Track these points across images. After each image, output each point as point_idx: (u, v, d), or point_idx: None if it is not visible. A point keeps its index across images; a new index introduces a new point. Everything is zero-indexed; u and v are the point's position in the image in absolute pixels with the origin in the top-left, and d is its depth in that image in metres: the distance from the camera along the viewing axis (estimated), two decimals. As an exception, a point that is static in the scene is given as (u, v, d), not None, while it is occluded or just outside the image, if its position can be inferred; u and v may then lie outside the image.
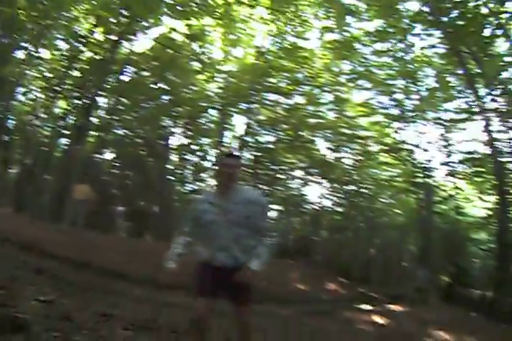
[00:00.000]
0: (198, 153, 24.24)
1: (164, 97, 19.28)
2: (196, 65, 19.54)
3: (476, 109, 18.78)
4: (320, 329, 7.10)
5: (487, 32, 14.46)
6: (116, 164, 21.59)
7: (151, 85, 18.52)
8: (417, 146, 21.04)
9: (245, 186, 3.58)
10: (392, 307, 13.32)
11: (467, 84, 15.45)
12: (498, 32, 14.01)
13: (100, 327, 4.20)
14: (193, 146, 23.66)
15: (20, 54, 16.99)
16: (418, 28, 16.36)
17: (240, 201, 3.30)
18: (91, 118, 17.84)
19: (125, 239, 17.28)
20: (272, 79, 20.18)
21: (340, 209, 26.95)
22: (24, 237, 9.02)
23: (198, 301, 3.28)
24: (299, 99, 22.47)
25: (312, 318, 8.22)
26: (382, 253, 28.76)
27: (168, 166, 21.14)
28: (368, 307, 12.46)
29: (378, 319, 9.56)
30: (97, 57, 16.72)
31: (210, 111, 21.84)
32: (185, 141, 22.95)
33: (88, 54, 17.12)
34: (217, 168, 3.96)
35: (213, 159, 23.94)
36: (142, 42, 18.26)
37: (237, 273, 3.17)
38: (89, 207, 13.89)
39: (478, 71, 15.17)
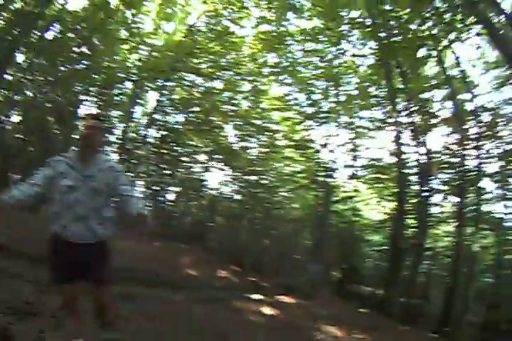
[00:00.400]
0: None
1: (84, 62, 17.72)
2: (124, 33, 18.26)
3: (390, 121, 20.17)
4: (210, 317, 7.11)
5: (421, 52, 15.41)
6: (21, 127, 19.52)
7: (74, 47, 16.84)
8: (324, 146, 21.66)
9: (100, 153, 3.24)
10: (283, 298, 13.46)
11: (388, 96, 16.11)
12: (431, 54, 14.77)
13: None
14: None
15: None
16: (354, 36, 16.63)
17: (101, 168, 3.14)
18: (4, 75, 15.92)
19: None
20: (195, 60, 19.50)
21: (239, 198, 27.13)
22: None
23: (58, 287, 3.09)
24: (217, 84, 22.16)
25: (203, 305, 8.16)
26: (276, 244, 29.66)
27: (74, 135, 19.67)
28: (259, 297, 12.45)
29: (269, 310, 9.64)
30: (26, 8, 14.70)
31: (126, 83, 20.66)
32: (95, 111, 21.57)
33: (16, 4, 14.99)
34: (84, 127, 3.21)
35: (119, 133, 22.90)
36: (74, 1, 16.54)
37: (94, 248, 3.02)
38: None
39: (402, 86, 15.95)
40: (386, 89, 17.34)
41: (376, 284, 22.53)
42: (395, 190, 20.45)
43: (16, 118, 18.53)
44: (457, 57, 14.55)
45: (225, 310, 8.28)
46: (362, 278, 25.18)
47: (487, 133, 14.36)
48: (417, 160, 17.43)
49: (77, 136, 3.24)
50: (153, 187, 23.45)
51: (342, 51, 18.17)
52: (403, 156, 19.63)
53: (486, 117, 14.97)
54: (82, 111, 19.03)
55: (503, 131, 15.22)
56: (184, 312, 6.69)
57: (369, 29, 16.10)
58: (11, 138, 17.69)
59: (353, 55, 18.21)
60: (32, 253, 7.45)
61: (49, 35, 16.31)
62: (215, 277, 15.21)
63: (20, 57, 16.31)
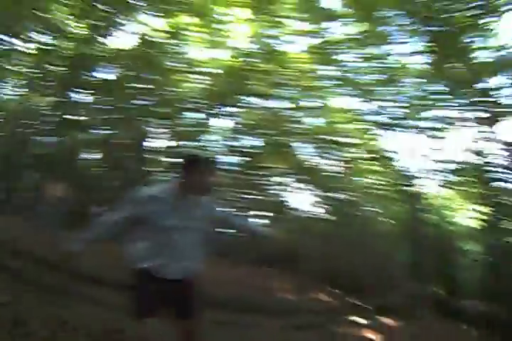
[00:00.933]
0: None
1: (143, 97, 19.28)
2: (175, 65, 19.57)
3: (458, 117, 19.01)
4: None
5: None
6: (100, 164, 21.54)
7: (130, 84, 18.47)
8: (400, 154, 20.86)
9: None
10: (386, 320, 12.69)
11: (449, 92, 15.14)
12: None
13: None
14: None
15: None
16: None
17: (204, 209, 3.21)
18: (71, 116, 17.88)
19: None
20: (252, 82, 20.12)
21: (327, 217, 26.71)
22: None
23: (139, 324, 3.10)
24: (281, 103, 22.47)
25: (299, 332, 8.07)
26: (371, 262, 28.49)
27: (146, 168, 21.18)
28: (360, 320, 11.89)
29: (371, 334, 9.17)
30: (76, 52, 16.61)
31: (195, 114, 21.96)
32: (167, 143, 23.14)
33: (66, 47, 16.94)
34: (189, 171, 3.23)
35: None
36: (121, 39, 18.21)
37: (184, 284, 3.11)
38: (66, 206, 13.65)
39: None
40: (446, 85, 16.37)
41: (478, 297, 20.54)
42: (484, 192, 19.02)
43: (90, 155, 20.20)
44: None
45: (324, 337, 8.11)
46: (462, 291, 23.08)
47: None
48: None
49: (189, 178, 3.22)
50: (241, 214, 23.99)
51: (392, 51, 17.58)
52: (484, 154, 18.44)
53: None
54: (153, 144, 20.52)
55: None
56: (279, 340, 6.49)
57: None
58: (89, 174, 19.32)
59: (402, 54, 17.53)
60: (114, 280, 7.71)
61: (104, 74, 17.91)
62: (310, 300, 14.76)
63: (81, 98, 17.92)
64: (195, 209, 3.13)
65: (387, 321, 12.50)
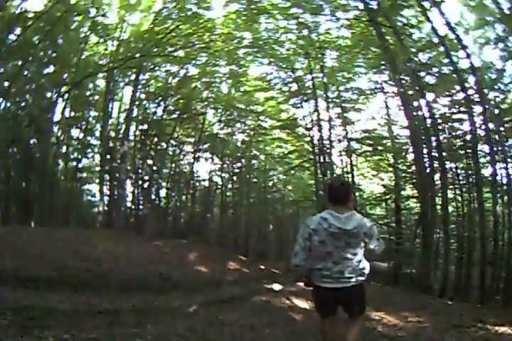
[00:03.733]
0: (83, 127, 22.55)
1: (51, 62, 17.15)
2: (88, 28, 17.65)
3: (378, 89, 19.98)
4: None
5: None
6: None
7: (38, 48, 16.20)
8: (313, 123, 21.29)
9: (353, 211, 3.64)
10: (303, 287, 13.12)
11: (387, 58, 15.33)
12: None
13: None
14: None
15: None
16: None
17: (355, 225, 3.49)
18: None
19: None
20: (166, 47, 18.91)
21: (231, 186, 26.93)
22: None
23: (321, 322, 3.75)
24: (194, 70, 21.74)
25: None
26: (278, 229, 29.70)
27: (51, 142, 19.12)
28: (279, 287, 11.97)
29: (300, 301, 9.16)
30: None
31: (98, 81, 20.17)
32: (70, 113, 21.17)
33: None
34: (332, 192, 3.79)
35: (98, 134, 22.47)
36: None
37: (351, 291, 3.54)
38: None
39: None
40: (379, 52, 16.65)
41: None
42: (392, 162, 20.47)
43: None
44: (446, 17, 13.96)
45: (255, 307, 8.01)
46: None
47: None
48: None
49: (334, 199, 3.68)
50: (143, 184, 22.95)
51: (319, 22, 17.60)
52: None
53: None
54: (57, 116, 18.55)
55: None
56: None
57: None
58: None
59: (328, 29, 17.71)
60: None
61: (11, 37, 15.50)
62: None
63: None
64: (349, 227, 3.51)
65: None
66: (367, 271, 3.68)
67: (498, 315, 7.08)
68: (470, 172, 16.69)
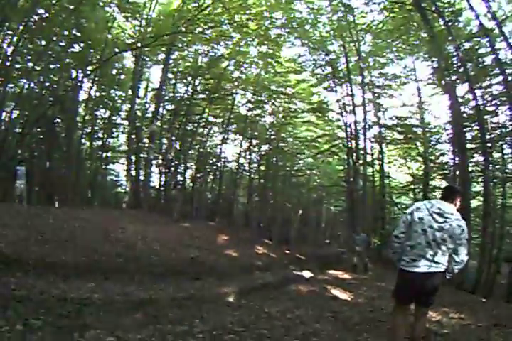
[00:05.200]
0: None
1: (76, 41, 17.00)
2: (116, 5, 17.43)
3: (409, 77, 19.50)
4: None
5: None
6: (21, 120, 18.94)
7: (62, 27, 15.98)
8: (346, 108, 20.88)
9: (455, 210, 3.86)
10: (337, 274, 12.94)
11: (433, 45, 14.71)
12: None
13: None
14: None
15: None
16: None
17: (451, 223, 3.68)
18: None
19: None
20: (196, 26, 18.52)
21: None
22: None
23: (394, 310, 4.01)
24: (224, 50, 21.33)
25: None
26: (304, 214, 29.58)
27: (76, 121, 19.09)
28: (309, 274, 12.14)
29: (338, 292, 8.98)
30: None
31: (125, 60, 19.96)
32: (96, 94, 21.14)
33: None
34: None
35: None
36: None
37: (430, 279, 3.75)
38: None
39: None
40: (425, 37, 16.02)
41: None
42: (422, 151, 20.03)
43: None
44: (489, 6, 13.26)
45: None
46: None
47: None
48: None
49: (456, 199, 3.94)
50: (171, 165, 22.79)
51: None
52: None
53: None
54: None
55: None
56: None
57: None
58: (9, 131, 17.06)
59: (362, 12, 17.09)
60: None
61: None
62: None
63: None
64: (444, 221, 3.74)
65: (340, 274, 12.86)
66: None
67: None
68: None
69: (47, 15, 15.42)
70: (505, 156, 16.29)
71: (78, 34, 17.42)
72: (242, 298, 7.10)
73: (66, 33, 16.99)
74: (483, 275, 13.59)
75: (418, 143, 20.36)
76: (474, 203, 15.81)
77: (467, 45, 14.68)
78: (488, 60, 14.73)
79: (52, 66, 17.95)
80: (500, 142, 15.95)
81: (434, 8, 13.67)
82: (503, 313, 6.98)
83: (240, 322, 5.12)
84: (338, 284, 9.95)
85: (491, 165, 15.33)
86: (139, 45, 18.18)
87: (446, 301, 8.00)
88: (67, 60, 18.13)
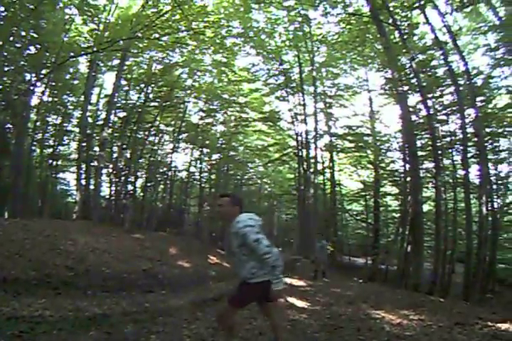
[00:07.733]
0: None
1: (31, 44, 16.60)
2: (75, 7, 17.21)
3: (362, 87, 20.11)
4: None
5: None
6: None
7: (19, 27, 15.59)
8: (297, 117, 21.33)
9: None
10: (292, 282, 12.73)
11: (389, 56, 15.21)
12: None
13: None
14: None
15: None
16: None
17: (233, 232, 3.80)
18: None
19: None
20: (153, 32, 18.41)
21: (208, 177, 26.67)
22: None
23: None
24: (178, 57, 21.33)
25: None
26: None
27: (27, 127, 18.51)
28: None
29: (294, 300, 9.11)
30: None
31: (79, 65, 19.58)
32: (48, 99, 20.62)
33: None
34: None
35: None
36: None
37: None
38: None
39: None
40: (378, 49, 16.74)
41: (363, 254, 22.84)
42: (372, 159, 20.73)
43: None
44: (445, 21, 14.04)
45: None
46: (347, 248, 25.48)
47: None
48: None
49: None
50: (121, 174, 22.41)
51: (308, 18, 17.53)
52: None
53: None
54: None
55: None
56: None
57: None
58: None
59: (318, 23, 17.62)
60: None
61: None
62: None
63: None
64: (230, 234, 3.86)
65: (295, 282, 12.79)
66: None
67: (492, 312, 7.36)
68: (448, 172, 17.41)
69: (5, 13, 15.01)
70: (455, 162, 17.36)
71: (35, 35, 16.99)
72: (197, 310, 7.13)
73: (23, 33, 16.57)
74: (439, 276, 14.30)
75: (369, 152, 21.19)
76: (426, 208, 16.62)
77: (421, 57, 15.61)
78: (441, 72, 15.85)
79: (6, 68, 17.41)
80: (450, 149, 16.99)
81: (390, 21, 14.37)
82: (463, 312, 7.33)
83: (197, 336, 5.21)
84: (294, 292, 10.02)
85: (441, 171, 16.08)
86: (94, 49, 17.92)
87: (404, 303, 8.38)
88: (22, 62, 17.63)
